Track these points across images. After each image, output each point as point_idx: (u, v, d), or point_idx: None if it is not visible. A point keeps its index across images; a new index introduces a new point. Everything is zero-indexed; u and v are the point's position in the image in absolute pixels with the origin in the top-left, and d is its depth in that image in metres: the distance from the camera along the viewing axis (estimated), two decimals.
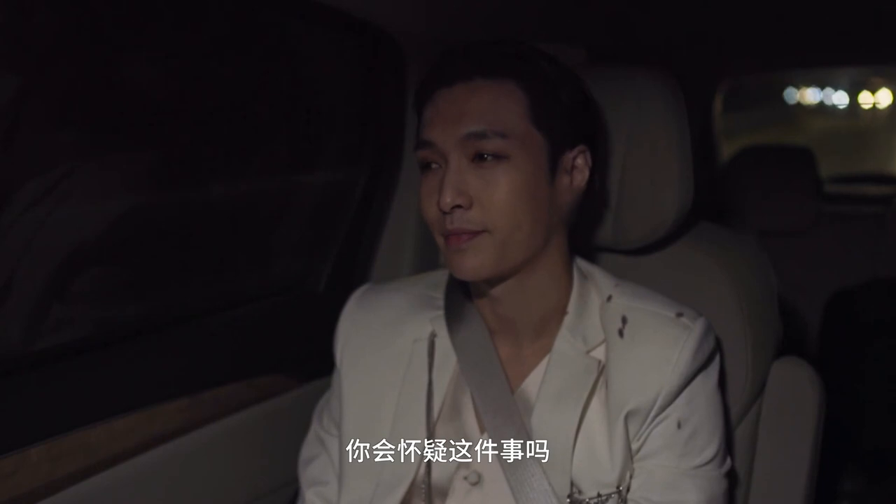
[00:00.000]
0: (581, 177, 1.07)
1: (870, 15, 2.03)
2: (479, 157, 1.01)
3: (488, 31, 1.21)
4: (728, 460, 1.10)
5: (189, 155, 1.41)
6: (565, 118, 1.04)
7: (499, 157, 1.00)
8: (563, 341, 1.08)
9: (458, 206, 1.00)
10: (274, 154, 1.59)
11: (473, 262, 1.02)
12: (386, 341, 1.15)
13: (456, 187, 1.00)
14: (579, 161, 1.06)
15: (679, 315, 1.07)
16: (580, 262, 1.13)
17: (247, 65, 1.46)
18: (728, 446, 1.11)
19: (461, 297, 1.13)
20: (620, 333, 1.06)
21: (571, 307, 1.09)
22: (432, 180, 1.03)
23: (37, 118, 1.15)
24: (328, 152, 1.59)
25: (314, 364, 1.34)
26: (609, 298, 1.09)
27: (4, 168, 1.12)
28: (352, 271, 1.57)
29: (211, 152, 1.45)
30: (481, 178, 1.00)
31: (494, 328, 1.11)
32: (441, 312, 1.14)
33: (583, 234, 1.22)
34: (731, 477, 1.11)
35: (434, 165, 1.03)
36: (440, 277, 1.19)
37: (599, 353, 1.07)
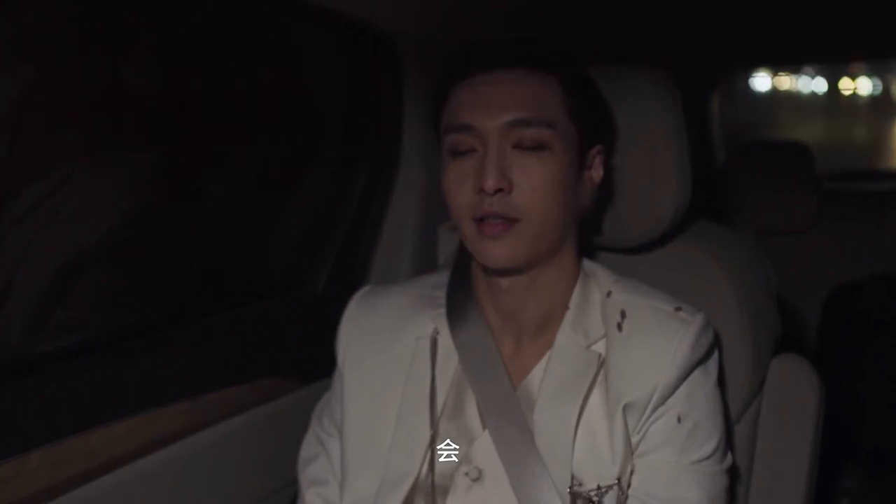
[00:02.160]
0: (597, 175, 1.10)
1: (866, 12, 2.04)
2: (519, 145, 1.02)
3: (486, 32, 1.22)
4: (729, 456, 1.10)
5: (188, 156, 1.41)
6: (591, 117, 1.08)
7: (540, 146, 1.02)
8: (565, 336, 1.08)
9: (500, 190, 1.00)
10: (273, 155, 1.59)
11: (506, 252, 1.03)
12: (389, 341, 1.15)
13: (500, 170, 1.00)
14: (597, 159, 1.10)
15: (677, 309, 1.07)
16: (583, 260, 1.14)
17: (244, 66, 1.46)
18: (728, 443, 1.11)
19: (463, 297, 1.13)
20: (619, 327, 1.07)
21: (573, 303, 1.10)
22: (465, 164, 1.03)
23: (36, 120, 1.15)
24: (327, 153, 1.59)
25: (314, 365, 1.34)
26: (609, 294, 1.10)
27: (5, 169, 1.12)
28: (351, 272, 1.57)
29: (210, 154, 1.45)
30: (522, 164, 1.01)
31: (497, 326, 1.11)
32: (443, 311, 1.14)
33: (582, 233, 1.22)
34: (732, 473, 1.11)
35: (468, 150, 1.03)
36: (441, 278, 1.19)
37: (600, 348, 1.08)
